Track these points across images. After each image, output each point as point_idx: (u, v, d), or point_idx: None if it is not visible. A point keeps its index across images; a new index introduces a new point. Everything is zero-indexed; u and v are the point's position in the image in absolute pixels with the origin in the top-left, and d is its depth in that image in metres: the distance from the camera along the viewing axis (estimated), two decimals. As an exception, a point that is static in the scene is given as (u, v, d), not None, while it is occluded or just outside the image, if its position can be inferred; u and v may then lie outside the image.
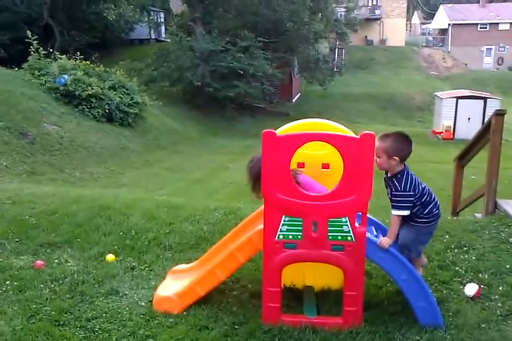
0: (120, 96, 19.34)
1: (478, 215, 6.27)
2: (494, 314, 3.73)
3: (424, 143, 23.47)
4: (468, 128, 22.00)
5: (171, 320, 3.65)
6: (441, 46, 53.01)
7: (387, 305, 3.86)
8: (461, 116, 25.21)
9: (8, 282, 4.21)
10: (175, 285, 3.94)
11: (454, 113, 25.54)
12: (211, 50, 27.54)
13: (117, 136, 18.42)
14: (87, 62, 19.64)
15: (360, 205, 3.40)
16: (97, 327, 3.56)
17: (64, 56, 19.34)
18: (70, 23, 31.63)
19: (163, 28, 38.75)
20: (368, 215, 3.51)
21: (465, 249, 4.85)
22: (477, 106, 24.95)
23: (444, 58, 49.73)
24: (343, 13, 38.94)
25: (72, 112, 17.56)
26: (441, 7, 56.23)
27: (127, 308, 3.83)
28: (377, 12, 52.28)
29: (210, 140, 23.94)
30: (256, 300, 3.82)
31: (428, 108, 34.18)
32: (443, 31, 54.46)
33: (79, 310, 3.80)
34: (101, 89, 18.29)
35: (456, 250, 4.83)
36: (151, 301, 3.90)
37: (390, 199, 3.64)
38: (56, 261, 4.71)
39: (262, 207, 3.61)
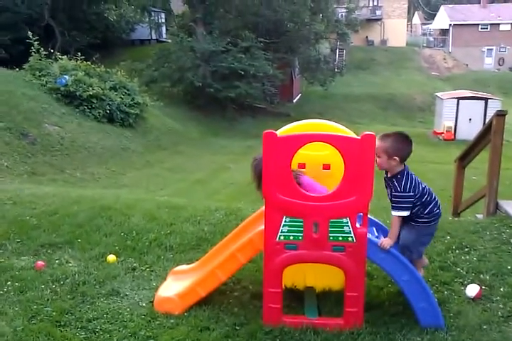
0: (121, 97, 19.35)
1: (480, 216, 6.26)
2: (495, 315, 3.73)
3: (425, 143, 23.46)
4: (469, 129, 21.97)
5: (172, 320, 3.64)
6: (442, 47, 52.98)
7: (388, 306, 3.86)
8: (462, 116, 25.20)
9: (9, 283, 4.21)
10: (176, 286, 3.94)
11: (455, 113, 25.55)
12: (212, 51, 27.55)
13: (118, 137, 18.43)
14: (88, 62, 19.65)
15: (361, 206, 3.40)
16: (98, 327, 3.56)
17: (65, 57, 19.36)
18: (70, 24, 31.65)
19: (164, 28, 38.78)
20: (368, 216, 3.51)
21: (466, 249, 4.85)
22: (478, 107, 24.95)
23: (445, 59, 49.72)
24: (343, 14, 38.94)
25: (73, 113, 17.58)
26: (442, 7, 56.22)
27: (128, 309, 3.83)
28: (378, 12, 52.27)
29: (211, 140, 23.95)
30: (257, 301, 3.82)
31: (429, 108, 34.17)
32: (444, 32, 54.45)
33: (80, 310, 3.80)
34: (102, 89, 18.30)
35: (457, 251, 4.82)
36: (152, 302, 3.89)
37: (390, 200, 3.64)
38: (57, 261, 4.71)
39: (263, 207, 3.61)
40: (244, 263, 3.81)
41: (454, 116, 25.50)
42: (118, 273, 4.45)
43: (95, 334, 3.50)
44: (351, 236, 3.43)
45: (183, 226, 5.52)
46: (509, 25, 50.97)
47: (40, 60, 18.41)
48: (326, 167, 3.98)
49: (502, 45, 50.46)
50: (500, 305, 3.86)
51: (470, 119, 24.82)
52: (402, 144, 3.57)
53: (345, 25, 35.78)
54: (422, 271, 3.89)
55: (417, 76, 43.53)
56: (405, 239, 3.67)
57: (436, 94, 29.06)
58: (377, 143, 3.43)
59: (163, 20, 38.19)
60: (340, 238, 3.44)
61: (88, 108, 18.00)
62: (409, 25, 65.49)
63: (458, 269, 4.45)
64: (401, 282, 3.52)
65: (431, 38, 56.75)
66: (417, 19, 69.77)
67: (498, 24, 51.04)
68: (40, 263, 4.58)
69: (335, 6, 37.62)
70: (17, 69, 18.71)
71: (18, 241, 5.16)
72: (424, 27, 63.46)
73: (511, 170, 12.38)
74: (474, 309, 3.81)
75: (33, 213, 5.90)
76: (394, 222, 3.60)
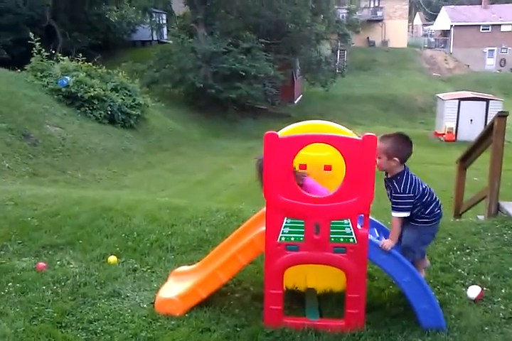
0: (122, 98, 19.37)
1: (481, 217, 6.26)
2: (497, 316, 3.72)
3: (426, 144, 23.45)
4: (471, 130, 21.94)
5: (173, 322, 3.64)
6: (443, 47, 52.96)
7: (389, 308, 3.85)
8: (464, 117, 25.17)
9: (10, 284, 4.21)
10: (177, 287, 3.94)
11: (456, 114, 25.52)
12: (213, 52, 27.57)
13: (119, 138, 18.44)
14: (90, 63, 19.68)
15: (362, 207, 3.39)
16: (99, 329, 3.56)
17: (66, 58, 19.36)
18: (72, 25, 31.71)
19: (165, 29, 38.83)
20: (370, 217, 3.51)
21: (467, 251, 4.84)
22: (479, 108, 24.92)
23: (446, 60, 49.72)
24: (344, 15, 39.00)
25: (75, 114, 17.59)
26: (443, 8, 56.19)
27: (129, 310, 3.83)
28: (379, 13, 52.27)
29: (212, 141, 23.96)
30: (258, 302, 3.82)
31: (430, 109, 34.15)
32: (445, 33, 54.42)
33: (81, 312, 3.80)
34: (103, 90, 18.32)
35: (458, 252, 4.82)
36: (153, 303, 3.89)
37: (390, 201, 3.64)
38: (58, 262, 4.71)
39: (264, 208, 3.61)
40: (245, 264, 3.81)
41: (455, 117, 25.47)
42: (119, 274, 4.45)
43: (96, 335, 3.50)
44: (352, 238, 3.43)
45: (184, 227, 5.52)
46: (510, 26, 50.92)
47: (41, 61, 18.42)
48: (327, 168, 3.98)
49: (503, 46, 50.42)
50: (502, 307, 3.85)
51: (471, 120, 24.79)
52: (402, 145, 3.57)
53: (346, 26, 35.84)
54: (423, 272, 3.88)
55: (418, 77, 43.52)
56: (407, 239, 3.67)
57: (438, 95, 29.04)
58: (377, 144, 3.42)
59: (165, 21, 38.24)
60: (342, 239, 3.43)
61: (89, 109, 18.02)
62: (411, 26, 65.47)
63: (459, 270, 4.45)
64: (402, 283, 3.51)
65: (432, 39, 56.72)
66: (418, 20, 69.73)
67: (500, 25, 51.00)
68: (41, 264, 4.59)
69: (336, 6, 37.66)
70: (19, 70, 18.72)
71: (19, 243, 5.17)
72: (426, 28, 63.42)
73: (513, 171, 12.35)
74: (475, 310, 3.80)
75: (34, 214, 5.90)
76: (394, 223, 3.60)
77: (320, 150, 3.90)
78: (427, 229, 3.70)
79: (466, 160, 7.32)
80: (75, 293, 4.07)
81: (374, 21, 51.68)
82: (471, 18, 51.75)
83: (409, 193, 3.52)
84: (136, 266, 4.66)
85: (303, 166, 3.96)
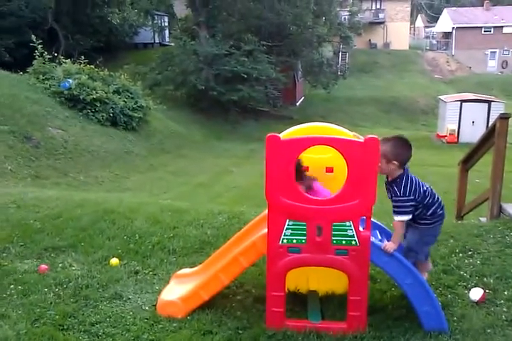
0: (124, 100, 19.40)
1: (483, 219, 6.25)
2: (499, 319, 3.71)
3: (429, 146, 23.46)
4: (473, 132, 21.96)
5: (174, 324, 3.64)
6: (445, 49, 52.92)
7: (391, 310, 3.85)
8: (466, 119, 25.17)
9: (12, 286, 4.22)
10: (179, 290, 3.94)
11: (458, 116, 25.50)
12: (215, 54, 27.60)
13: (121, 140, 18.46)
14: (92, 66, 19.72)
15: (364, 209, 3.39)
16: (101, 331, 3.56)
17: (68, 60, 19.43)
18: (74, 27, 31.79)
19: (167, 32, 38.90)
20: (372, 219, 3.51)
21: (470, 253, 4.83)
22: (481, 110, 24.92)
23: (448, 62, 49.68)
24: (346, 17, 38.94)
25: (77, 116, 17.63)
26: (445, 10, 56.16)
27: (131, 313, 3.83)
28: (380, 16, 52.24)
29: (214, 143, 23.97)
30: (260, 304, 3.81)
31: (432, 111, 34.14)
32: (447, 35, 54.39)
33: (83, 314, 3.80)
34: (105, 93, 18.36)
35: (460, 254, 4.81)
36: (154, 305, 3.90)
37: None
38: (60, 265, 4.71)
39: (266, 211, 3.61)
40: (247, 266, 3.81)
41: (457, 119, 25.46)
42: (121, 276, 4.45)
43: (98, 337, 3.50)
44: (354, 240, 3.42)
45: (186, 229, 5.52)
46: (512, 28, 50.91)
47: (43, 63, 18.46)
48: (329, 170, 3.98)
49: (505, 48, 50.38)
50: (504, 309, 3.85)
51: (473, 122, 24.79)
52: (401, 149, 3.56)
53: (348, 29, 35.77)
54: (425, 275, 3.88)
55: (420, 79, 43.50)
56: (409, 240, 3.68)
57: (440, 97, 29.03)
58: None
59: (166, 24, 38.28)
60: (344, 241, 3.43)
61: (91, 111, 18.06)
62: (412, 28, 65.44)
63: (461, 273, 4.44)
64: (404, 285, 3.51)
65: (434, 41, 56.68)
66: (420, 22, 69.71)
67: (502, 27, 50.94)
68: (43, 266, 4.59)
69: (338, 9, 37.58)
70: (21, 72, 18.77)
71: (21, 245, 5.17)
72: (427, 30, 63.37)
73: (515, 173, 12.33)
74: (478, 313, 3.80)
75: (36, 216, 5.91)
76: (397, 226, 3.59)
77: (322, 153, 3.90)
78: (429, 231, 3.70)
79: (468, 162, 7.31)
80: (76, 296, 4.08)
81: (376, 23, 51.66)
82: (473, 20, 51.72)
83: (409, 196, 3.52)
84: (138, 268, 4.66)
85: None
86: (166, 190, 13.67)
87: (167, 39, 38.95)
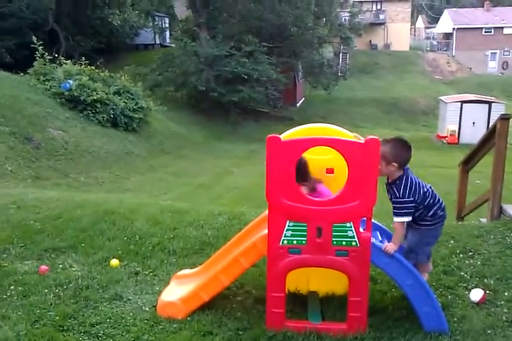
0: (125, 102, 19.41)
1: (484, 220, 6.25)
2: (500, 320, 3.71)
3: (429, 147, 23.46)
4: (473, 133, 21.95)
5: (175, 325, 3.64)
6: (445, 50, 52.93)
7: (391, 311, 3.85)
8: (466, 120, 25.17)
9: (12, 287, 4.22)
10: (179, 291, 3.94)
11: (458, 117, 25.50)
12: (215, 55, 27.62)
13: (122, 141, 18.47)
14: (92, 67, 19.73)
15: (364, 210, 3.39)
16: (101, 332, 3.56)
17: (69, 61, 19.44)
18: (75, 29, 31.83)
19: (167, 33, 38.92)
20: (372, 220, 3.50)
21: (470, 254, 4.83)
22: (482, 111, 24.92)
23: (448, 62, 49.68)
24: (347, 18, 39.01)
25: (77, 117, 17.64)
26: (445, 11, 56.15)
27: (131, 313, 3.82)
28: (381, 17, 52.29)
29: (215, 144, 23.98)
30: (260, 305, 3.81)
31: (433, 112, 34.13)
32: (447, 35, 54.39)
33: (83, 315, 3.80)
34: (106, 94, 18.37)
35: (461, 255, 4.81)
36: (155, 306, 3.89)
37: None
38: (60, 266, 4.71)
39: (266, 212, 3.60)
40: (247, 267, 3.81)
41: (458, 119, 25.46)
42: (121, 277, 4.45)
43: (98, 338, 3.50)
44: (355, 241, 3.42)
45: (186, 230, 5.52)
46: (513, 29, 50.90)
47: (44, 64, 18.48)
48: (330, 171, 3.98)
49: (506, 49, 50.36)
50: (505, 310, 3.84)
51: (474, 123, 24.79)
52: (400, 150, 3.56)
53: (348, 30, 35.82)
54: (426, 276, 3.87)
55: (421, 80, 43.51)
56: (410, 241, 3.69)
57: (440, 97, 29.04)
58: None
59: (167, 25, 38.35)
60: (344, 242, 3.43)
61: (92, 112, 18.07)
62: (413, 29, 65.46)
63: (462, 273, 4.44)
64: (405, 286, 3.50)
65: (434, 42, 56.71)
66: (420, 23, 69.73)
67: (502, 28, 50.93)
68: (43, 267, 4.59)
69: (338, 10, 37.68)
70: (21, 73, 18.78)
71: (21, 246, 5.17)
72: (428, 31, 63.42)
73: (515, 174, 12.32)
74: (478, 313, 3.79)
75: (36, 217, 5.91)
76: (397, 227, 3.58)
77: (322, 154, 3.90)
78: (429, 232, 3.70)
79: (468, 163, 7.31)
80: (77, 297, 4.08)
81: (376, 24, 51.70)
82: (474, 21, 51.71)
83: (409, 197, 3.51)
84: (138, 269, 4.66)
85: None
86: (167, 191, 13.66)
87: (168, 40, 38.96)
